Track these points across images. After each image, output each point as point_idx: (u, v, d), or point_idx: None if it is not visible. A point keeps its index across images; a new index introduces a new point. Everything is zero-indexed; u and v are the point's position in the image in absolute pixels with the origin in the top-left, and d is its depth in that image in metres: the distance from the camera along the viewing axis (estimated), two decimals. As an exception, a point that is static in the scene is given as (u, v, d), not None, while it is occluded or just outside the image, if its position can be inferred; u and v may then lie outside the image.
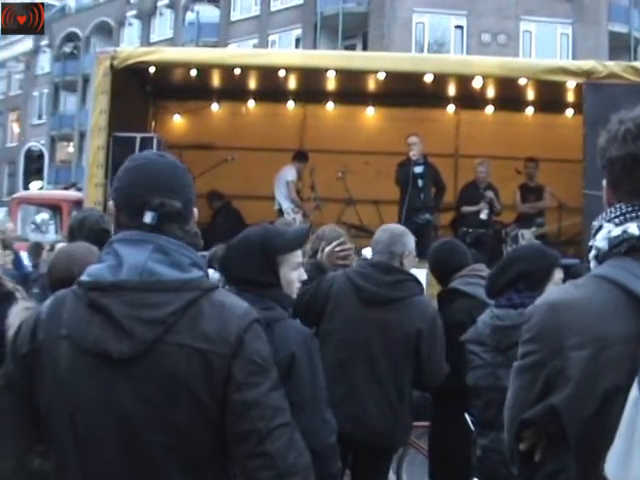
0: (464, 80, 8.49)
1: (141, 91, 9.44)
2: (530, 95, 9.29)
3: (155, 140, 8.12)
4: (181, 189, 1.82)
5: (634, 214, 1.59)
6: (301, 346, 2.55)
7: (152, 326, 1.66)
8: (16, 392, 1.77)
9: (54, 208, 13.25)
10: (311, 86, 9.48)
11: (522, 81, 8.19)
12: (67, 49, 42.35)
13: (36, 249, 9.80)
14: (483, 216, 8.77)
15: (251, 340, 1.72)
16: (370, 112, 10.18)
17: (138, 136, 7.94)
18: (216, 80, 9.26)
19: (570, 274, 3.37)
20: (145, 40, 37.16)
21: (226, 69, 8.43)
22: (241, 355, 1.69)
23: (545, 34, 28.05)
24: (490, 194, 8.84)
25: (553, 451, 1.61)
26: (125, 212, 1.80)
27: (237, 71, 8.26)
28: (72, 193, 14.06)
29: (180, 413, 1.66)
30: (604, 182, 1.69)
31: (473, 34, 28.03)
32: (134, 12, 39.00)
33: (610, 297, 1.53)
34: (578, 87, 7.73)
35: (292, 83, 9.29)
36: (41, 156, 18.26)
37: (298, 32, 31.62)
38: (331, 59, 8.45)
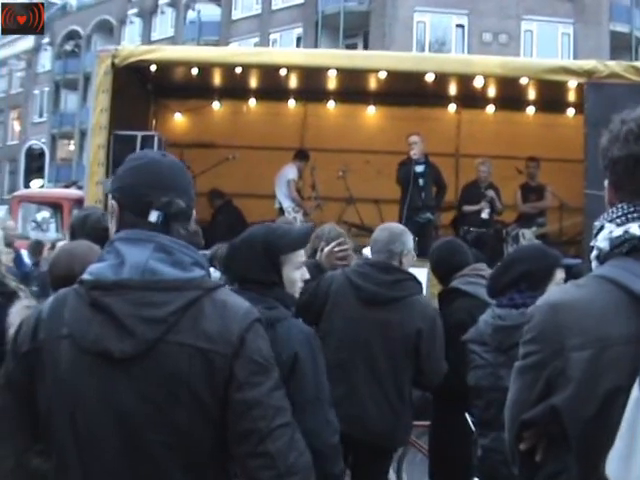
0: (465, 79, 8.49)
1: (142, 89, 9.44)
2: (531, 95, 9.29)
3: (156, 139, 8.12)
4: (184, 188, 1.83)
5: (636, 214, 1.59)
6: (304, 346, 2.55)
7: (153, 325, 1.66)
8: (16, 391, 1.77)
9: (55, 206, 13.26)
10: (312, 85, 9.48)
11: (523, 81, 8.18)
12: (68, 47, 42.33)
13: (36, 247, 9.81)
14: (484, 215, 8.78)
15: (253, 339, 1.72)
16: (371, 111, 10.17)
17: (139, 134, 7.94)
18: (217, 79, 9.26)
19: (572, 274, 3.36)
20: (146, 38, 37.14)
21: (227, 68, 8.43)
22: (243, 354, 1.69)
23: (546, 34, 28.03)
24: (491, 193, 8.84)
25: (554, 452, 1.61)
26: (129, 211, 1.79)
27: (238, 70, 8.25)
28: (73, 191, 14.08)
29: (181, 412, 1.66)
30: (606, 182, 1.69)
31: (474, 33, 28.01)
32: (135, 10, 39.00)
33: (611, 297, 1.53)
34: (579, 87, 7.72)
35: (293, 82, 9.29)
36: (42, 154, 18.25)
37: (299, 31, 31.62)
38: (332, 58, 8.44)
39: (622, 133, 1.60)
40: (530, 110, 9.77)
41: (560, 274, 3.30)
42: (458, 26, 28.52)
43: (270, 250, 2.65)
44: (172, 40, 34.93)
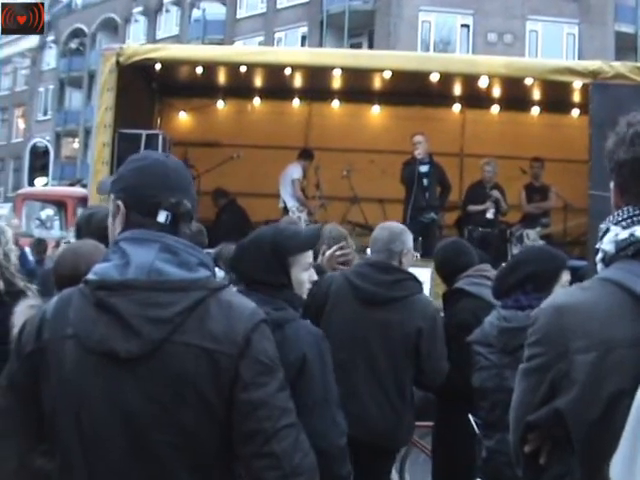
0: (470, 79, 8.48)
1: (147, 88, 9.46)
2: (536, 95, 9.28)
3: (161, 137, 8.13)
4: (188, 189, 1.85)
5: (642, 217, 1.59)
6: (312, 347, 2.54)
7: (160, 325, 1.66)
8: (19, 392, 1.76)
9: (59, 204, 13.25)
10: (317, 84, 9.48)
11: (528, 81, 8.18)
12: (73, 45, 42.34)
13: (39, 245, 9.83)
14: (489, 215, 8.77)
15: (258, 340, 1.72)
16: (376, 111, 10.18)
17: (144, 133, 7.95)
18: (222, 77, 9.26)
19: (577, 276, 3.36)
20: (151, 37, 37.15)
21: (232, 66, 8.43)
22: (248, 355, 1.69)
23: (551, 34, 27.96)
24: (496, 194, 8.83)
25: (558, 454, 1.61)
26: (136, 211, 1.79)
27: (243, 69, 8.26)
28: (77, 189, 14.08)
29: (187, 413, 1.66)
30: (612, 184, 1.69)
31: (479, 33, 27.96)
32: (140, 9, 39.00)
33: (616, 300, 1.53)
34: (584, 87, 7.71)
35: (298, 81, 9.29)
36: (46, 152, 18.23)
37: (304, 30, 31.59)
38: (337, 57, 8.44)
39: (628, 136, 1.60)
40: (535, 110, 9.77)
41: (566, 276, 3.29)
42: (463, 26, 28.48)
43: (278, 251, 2.63)
44: (177, 39, 34.94)
